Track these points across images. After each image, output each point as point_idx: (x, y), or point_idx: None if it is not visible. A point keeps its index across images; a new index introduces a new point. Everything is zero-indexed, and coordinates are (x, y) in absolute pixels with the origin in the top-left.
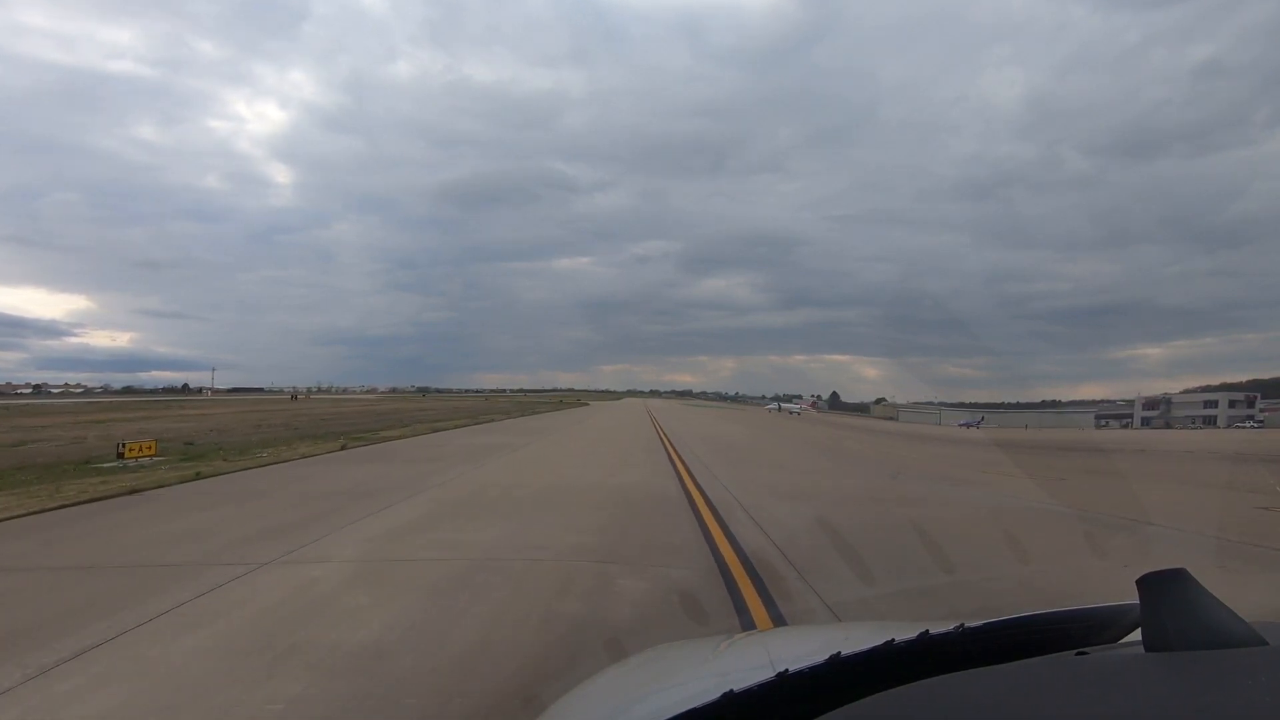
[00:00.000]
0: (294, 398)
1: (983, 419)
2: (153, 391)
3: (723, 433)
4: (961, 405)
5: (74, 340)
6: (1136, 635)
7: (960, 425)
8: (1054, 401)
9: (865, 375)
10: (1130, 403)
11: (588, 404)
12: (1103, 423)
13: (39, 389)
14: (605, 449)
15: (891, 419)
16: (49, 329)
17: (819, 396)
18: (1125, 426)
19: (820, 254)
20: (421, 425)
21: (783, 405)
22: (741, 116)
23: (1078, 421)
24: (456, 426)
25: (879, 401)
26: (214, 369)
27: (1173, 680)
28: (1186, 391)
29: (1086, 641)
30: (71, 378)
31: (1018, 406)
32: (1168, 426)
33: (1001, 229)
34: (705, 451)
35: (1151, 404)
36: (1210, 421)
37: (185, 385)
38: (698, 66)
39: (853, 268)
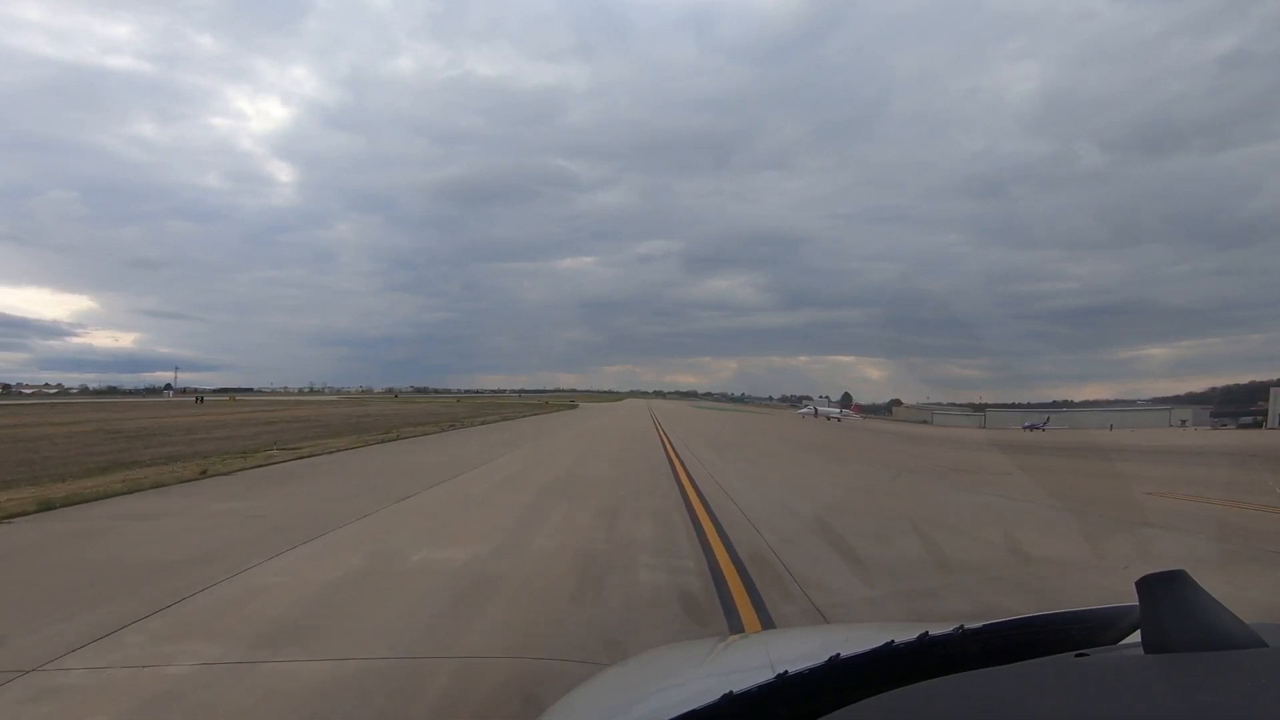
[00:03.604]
0: (199, 400)
1: (1048, 420)
2: (131, 393)
3: (858, 488)
4: (1012, 407)
5: (77, 340)
6: (1136, 637)
7: (1025, 428)
8: (1066, 402)
9: (869, 376)
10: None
11: (577, 406)
12: (1222, 422)
13: (9, 389)
14: None
15: (925, 422)
16: (51, 329)
17: (826, 399)
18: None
19: (824, 253)
20: (182, 466)
21: (819, 409)
22: (747, 111)
23: (1162, 420)
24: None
25: (894, 403)
26: (176, 369)
27: (1172, 681)
28: None
29: (1086, 643)
30: (75, 378)
31: (1055, 405)
32: None
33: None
34: None
35: None
36: None
37: (168, 386)
38: (704, 60)
39: (857, 267)
